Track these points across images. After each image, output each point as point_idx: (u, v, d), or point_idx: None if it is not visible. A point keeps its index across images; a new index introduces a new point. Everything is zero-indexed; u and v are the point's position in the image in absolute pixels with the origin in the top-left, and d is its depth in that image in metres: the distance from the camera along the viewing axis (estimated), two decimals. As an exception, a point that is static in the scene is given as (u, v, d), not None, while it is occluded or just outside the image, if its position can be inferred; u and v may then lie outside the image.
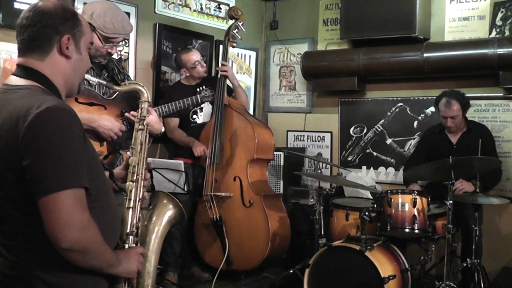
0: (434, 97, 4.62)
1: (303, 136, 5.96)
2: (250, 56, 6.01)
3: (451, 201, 3.75)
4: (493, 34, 4.81)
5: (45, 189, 1.56)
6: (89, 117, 3.09)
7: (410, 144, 5.25)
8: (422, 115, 5.21)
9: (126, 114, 3.26)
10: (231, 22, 4.80)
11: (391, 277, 3.60)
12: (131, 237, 1.90)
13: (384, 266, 3.66)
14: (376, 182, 5.36)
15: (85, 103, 3.12)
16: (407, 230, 3.95)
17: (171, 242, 4.60)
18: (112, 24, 3.14)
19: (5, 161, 1.61)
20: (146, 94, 2.18)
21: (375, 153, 5.52)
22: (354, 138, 5.63)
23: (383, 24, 5.04)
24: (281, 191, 5.26)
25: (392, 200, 3.98)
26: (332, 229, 4.35)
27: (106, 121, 3.12)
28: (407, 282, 3.86)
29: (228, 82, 4.74)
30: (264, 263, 4.63)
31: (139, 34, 4.76)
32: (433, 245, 4.03)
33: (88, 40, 1.87)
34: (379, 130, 5.48)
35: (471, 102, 4.78)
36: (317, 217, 4.35)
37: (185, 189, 4.15)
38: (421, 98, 5.21)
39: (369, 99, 5.55)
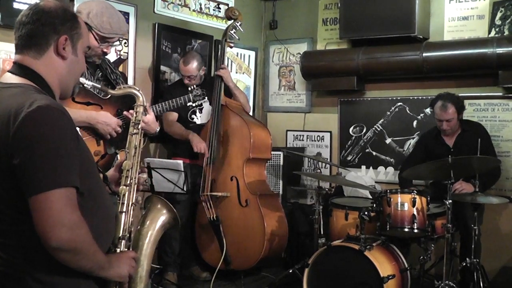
0: (434, 97, 4.62)
1: (303, 135, 5.96)
2: (249, 56, 6.01)
3: (450, 201, 3.76)
4: (492, 33, 4.81)
5: (35, 188, 1.56)
6: (88, 114, 3.11)
7: (410, 144, 5.25)
8: (421, 115, 5.21)
9: (125, 112, 3.26)
10: (229, 22, 4.80)
11: (390, 277, 3.60)
12: (123, 242, 1.89)
13: (384, 266, 3.66)
14: (376, 182, 5.36)
15: (82, 102, 3.13)
16: (406, 229, 3.95)
17: (170, 242, 4.61)
18: (109, 24, 3.13)
19: None
20: (142, 98, 2.16)
21: (374, 153, 5.52)
22: (353, 137, 5.63)
23: (382, 24, 5.04)
24: (281, 190, 5.26)
25: (392, 199, 3.98)
26: (332, 229, 4.35)
27: (104, 117, 3.15)
28: (407, 282, 3.86)
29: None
30: (262, 262, 4.63)
31: (138, 34, 4.76)
32: (433, 245, 4.03)
33: (85, 43, 1.87)
34: (379, 129, 5.48)
35: (471, 101, 4.79)
36: (317, 216, 4.35)
37: (185, 189, 4.15)
38: (420, 97, 5.21)
39: (369, 99, 5.55)
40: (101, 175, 1.97)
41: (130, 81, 4.64)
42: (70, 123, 1.66)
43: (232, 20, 4.74)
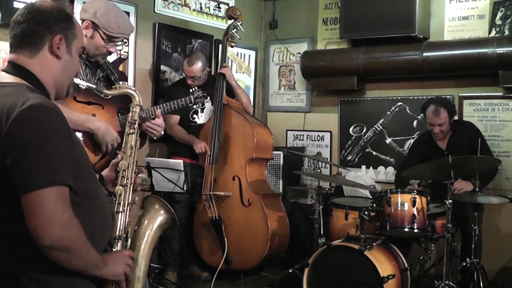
0: (429, 98, 4.62)
1: (303, 135, 5.96)
2: (249, 56, 6.01)
3: (450, 201, 3.75)
4: (493, 33, 4.81)
5: (27, 186, 1.56)
6: (88, 118, 3.01)
7: (410, 144, 5.24)
8: (421, 115, 5.18)
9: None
10: (229, 22, 4.80)
11: (390, 277, 3.60)
12: (119, 242, 1.89)
13: (384, 266, 3.66)
14: (376, 182, 5.35)
15: (83, 101, 3.11)
16: (406, 229, 3.95)
17: (170, 241, 4.61)
18: (116, 23, 3.12)
19: None
20: (138, 98, 2.15)
21: (374, 153, 5.52)
22: (353, 137, 5.63)
23: (382, 24, 5.04)
24: (281, 190, 5.26)
25: (392, 199, 3.98)
26: (332, 229, 4.35)
27: (105, 128, 3.03)
28: (407, 282, 3.86)
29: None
30: (263, 262, 4.64)
31: (138, 34, 4.76)
32: (433, 245, 4.03)
33: (80, 44, 1.87)
34: (379, 129, 5.48)
35: (471, 101, 4.79)
36: (317, 216, 4.35)
37: (185, 188, 4.15)
38: (420, 97, 5.20)
39: (369, 99, 5.55)
40: (97, 175, 1.97)
41: (130, 81, 4.64)
42: (63, 122, 1.66)
43: (233, 20, 4.75)
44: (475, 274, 3.94)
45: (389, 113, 5.41)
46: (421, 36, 4.98)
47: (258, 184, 4.68)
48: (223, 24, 5.41)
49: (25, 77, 1.75)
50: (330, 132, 5.79)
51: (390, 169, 5.41)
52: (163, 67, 5.05)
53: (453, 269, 4.22)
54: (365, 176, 5.42)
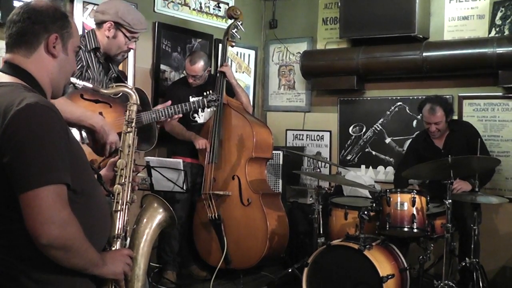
0: (426, 97, 4.62)
1: (302, 135, 5.96)
2: (249, 55, 6.01)
3: (450, 200, 3.76)
4: (493, 33, 4.81)
5: (25, 185, 1.56)
6: (92, 114, 2.99)
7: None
8: (421, 114, 5.20)
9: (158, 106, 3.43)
10: (230, 21, 4.81)
11: (389, 276, 3.60)
12: (118, 241, 1.89)
13: (383, 265, 3.66)
14: (375, 181, 5.36)
15: (91, 100, 3.11)
16: (406, 229, 3.95)
17: (169, 240, 4.61)
18: (138, 20, 3.27)
19: None
20: (135, 97, 2.15)
21: (374, 152, 5.52)
22: (353, 137, 5.63)
23: (382, 23, 5.04)
24: (280, 190, 5.25)
25: (391, 199, 3.98)
26: (331, 228, 4.36)
27: (108, 128, 3.01)
28: (406, 281, 3.86)
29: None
30: (263, 262, 4.64)
31: (138, 33, 4.76)
32: (432, 244, 4.03)
33: (76, 43, 1.88)
34: (378, 129, 5.48)
35: (470, 101, 4.79)
36: (316, 216, 4.35)
37: (184, 187, 4.15)
38: (420, 97, 5.17)
39: (368, 98, 5.55)
40: (95, 175, 1.97)
41: (130, 80, 4.64)
42: (60, 121, 1.66)
43: (234, 19, 4.75)
44: (474, 274, 3.94)
45: (388, 113, 5.41)
46: (421, 36, 4.99)
47: (258, 183, 4.68)
48: (223, 24, 5.41)
49: (22, 77, 1.75)
50: (330, 131, 5.79)
51: (390, 169, 5.41)
52: (163, 67, 5.04)
53: (452, 269, 4.23)
54: (364, 175, 5.42)
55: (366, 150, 5.56)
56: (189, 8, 5.27)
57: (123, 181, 1.99)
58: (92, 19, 4.33)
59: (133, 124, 2.10)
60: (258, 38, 6.20)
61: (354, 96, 5.60)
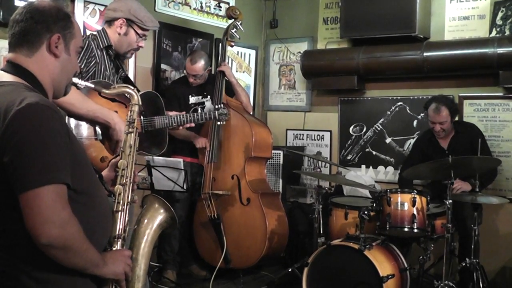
0: (432, 96, 4.62)
1: (303, 134, 5.96)
2: (249, 55, 6.01)
3: (450, 201, 3.75)
4: (493, 33, 4.80)
5: (25, 185, 1.56)
6: (111, 115, 3.05)
7: (410, 144, 5.24)
8: (421, 114, 5.21)
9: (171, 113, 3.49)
10: (229, 21, 4.81)
11: (390, 276, 3.60)
12: (119, 241, 1.88)
13: (383, 265, 3.66)
14: (375, 181, 5.35)
15: (107, 98, 3.13)
16: (406, 229, 3.95)
17: (169, 240, 4.61)
18: (149, 18, 3.34)
19: None
20: (136, 98, 2.15)
21: (374, 152, 5.52)
22: (353, 137, 5.63)
23: (383, 23, 5.04)
24: (280, 189, 5.26)
25: (391, 199, 3.98)
26: (331, 228, 4.35)
27: (121, 124, 3.03)
28: (406, 282, 3.86)
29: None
30: (262, 261, 4.64)
31: (138, 32, 4.76)
32: (432, 245, 4.02)
33: (78, 43, 1.88)
34: (379, 129, 5.48)
35: (471, 101, 4.78)
36: (316, 216, 4.35)
37: (184, 187, 4.15)
38: (420, 97, 5.20)
39: (369, 98, 5.55)
40: (97, 175, 1.96)
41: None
42: (60, 120, 1.66)
43: (233, 19, 4.75)
44: (474, 274, 3.94)
45: (389, 112, 5.41)
46: (421, 36, 4.98)
47: (257, 183, 4.68)
48: (223, 23, 5.41)
49: (23, 76, 1.76)
50: (330, 131, 5.79)
51: (390, 169, 5.41)
52: (163, 66, 5.04)
53: (453, 269, 4.23)
54: (364, 175, 5.42)
55: (367, 150, 5.56)
56: (190, 8, 5.27)
57: (124, 181, 1.99)
58: (93, 19, 4.38)
59: (135, 125, 2.10)
60: (259, 38, 6.20)
61: (354, 96, 5.60)
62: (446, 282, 3.75)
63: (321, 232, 4.40)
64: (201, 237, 4.77)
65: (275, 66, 6.18)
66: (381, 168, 5.47)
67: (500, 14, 4.79)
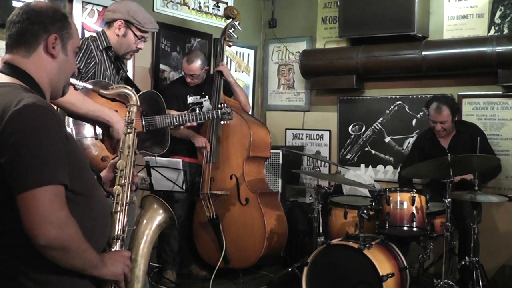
0: (433, 95, 4.62)
1: (302, 134, 5.96)
2: (248, 55, 6.01)
3: (449, 199, 3.75)
4: (492, 32, 4.80)
5: (22, 186, 1.55)
6: (111, 113, 3.10)
7: (409, 142, 5.25)
8: (420, 113, 5.21)
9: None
10: (228, 21, 4.81)
11: (389, 275, 3.60)
12: (118, 242, 1.88)
13: (383, 264, 3.66)
14: (375, 180, 5.35)
15: (107, 97, 3.14)
16: (405, 228, 3.95)
17: (169, 240, 4.60)
18: (148, 19, 3.35)
19: None
20: (135, 98, 2.15)
21: (373, 151, 5.52)
22: (352, 136, 5.63)
23: (381, 22, 5.03)
24: (280, 189, 5.26)
25: (391, 198, 3.98)
26: (331, 227, 4.36)
27: (122, 122, 3.08)
28: (406, 280, 3.86)
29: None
30: (261, 261, 4.64)
31: (137, 32, 4.75)
32: (432, 243, 4.03)
33: (75, 44, 1.88)
34: (378, 128, 5.48)
35: (470, 100, 4.79)
36: (316, 215, 4.34)
37: (184, 187, 4.15)
38: (419, 96, 5.20)
39: (368, 97, 5.55)
40: (95, 176, 1.96)
41: (129, 80, 4.64)
42: (58, 121, 1.66)
43: (231, 19, 4.75)
44: (474, 272, 3.94)
45: (388, 112, 5.41)
46: (420, 35, 4.98)
47: (256, 182, 4.68)
48: (222, 23, 5.40)
49: (20, 77, 1.75)
50: (329, 131, 5.79)
51: (389, 168, 5.41)
52: (162, 66, 5.04)
53: (452, 267, 4.23)
54: (364, 175, 5.41)
55: (366, 149, 5.56)
56: (188, 8, 5.27)
57: (122, 182, 1.98)
58: (91, 19, 4.38)
59: (133, 125, 2.10)
60: (258, 38, 6.20)
61: (353, 95, 5.60)
62: (446, 280, 3.75)
63: (321, 231, 4.40)
64: (201, 237, 4.77)
65: (274, 66, 6.18)
66: (380, 167, 5.47)
67: (498, 13, 4.79)
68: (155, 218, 2.10)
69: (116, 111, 3.15)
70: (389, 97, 5.40)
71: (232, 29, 4.73)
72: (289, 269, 4.33)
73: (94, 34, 3.36)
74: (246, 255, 4.55)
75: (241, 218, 4.58)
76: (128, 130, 2.09)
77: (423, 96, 5.15)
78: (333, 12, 5.72)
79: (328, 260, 3.81)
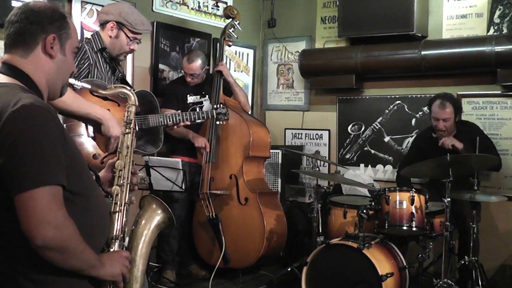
0: (432, 95, 4.62)
1: (301, 134, 5.96)
2: (247, 54, 6.01)
3: (448, 199, 3.75)
4: (491, 31, 4.81)
5: (20, 186, 1.55)
6: (103, 112, 3.09)
7: (408, 142, 5.25)
8: (420, 113, 5.21)
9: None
10: (227, 21, 4.81)
11: (389, 275, 3.60)
12: (116, 242, 1.88)
13: (382, 264, 3.66)
14: (374, 180, 5.35)
15: (99, 96, 3.14)
16: (405, 227, 3.95)
17: (169, 240, 4.60)
18: (140, 21, 3.38)
19: None
20: (133, 98, 2.15)
21: (373, 151, 5.52)
22: (352, 136, 5.63)
23: (381, 22, 5.03)
24: (279, 189, 5.26)
25: (390, 197, 3.98)
26: (330, 227, 4.36)
27: (113, 122, 3.09)
28: (405, 280, 3.86)
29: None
30: (261, 261, 4.64)
31: (136, 32, 4.75)
32: (431, 243, 4.02)
33: (74, 44, 1.88)
34: (377, 128, 5.48)
35: (469, 99, 4.79)
36: (315, 215, 4.35)
37: (183, 187, 4.15)
38: (419, 95, 5.21)
39: (367, 97, 5.55)
40: (94, 176, 1.96)
41: (129, 80, 4.63)
42: (55, 121, 1.66)
43: (231, 19, 4.75)
44: (473, 272, 3.94)
45: (387, 111, 5.41)
46: (419, 35, 4.98)
47: (255, 182, 4.68)
48: (221, 23, 5.40)
49: (18, 77, 1.75)
50: (329, 130, 5.79)
51: (389, 168, 5.41)
52: (161, 66, 5.04)
53: (452, 267, 4.23)
54: (363, 174, 5.41)
55: (365, 148, 5.56)
56: (188, 8, 5.27)
57: (121, 182, 1.98)
58: (90, 19, 4.38)
59: (132, 125, 2.10)
60: (257, 37, 6.20)
61: (352, 95, 5.60)
62: (445, 280, 3.76)
63: (320, 231, 4.41)
64: (200, 237, 4.77)
65: (273, 66, 6.17)
66: (379, 166, 5.47)
67: (497, 12, 4.80)
68: (154, 218, 2.10)
69: (108, 109, 3.15)
70: (389, 96, 5.40)
71: (232, 28, 4.73)
72: (289, 269, 4.34)
73: (89, 36, 3.41)
74: (246, 254, 4.55)
75: (241, 218, 4.58)
76: (127, 130, 2.08)
77: (423, 95, 5.15)
78: (332, 11, 5.72)
79: (327, 260, 3.81)
